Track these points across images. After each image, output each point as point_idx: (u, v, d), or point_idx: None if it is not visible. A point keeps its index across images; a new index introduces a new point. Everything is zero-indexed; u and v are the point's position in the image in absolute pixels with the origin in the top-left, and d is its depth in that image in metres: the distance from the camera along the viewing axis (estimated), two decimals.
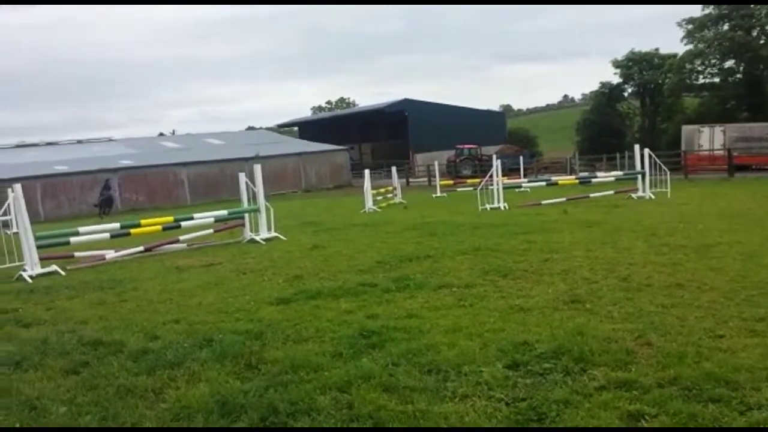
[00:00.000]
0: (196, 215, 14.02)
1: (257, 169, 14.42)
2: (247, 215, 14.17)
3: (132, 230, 12.94)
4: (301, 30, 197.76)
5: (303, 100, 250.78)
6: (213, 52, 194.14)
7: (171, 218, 13.91)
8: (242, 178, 14.49)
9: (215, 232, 14.31)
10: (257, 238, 13.70)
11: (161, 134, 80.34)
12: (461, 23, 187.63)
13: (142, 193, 40.05)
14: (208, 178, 40.97)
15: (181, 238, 13.40)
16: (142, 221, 13.69)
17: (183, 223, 13.52)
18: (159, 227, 13.40)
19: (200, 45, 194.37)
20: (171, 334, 6.17)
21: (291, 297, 7.45)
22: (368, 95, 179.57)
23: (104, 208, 33.29)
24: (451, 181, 33.09)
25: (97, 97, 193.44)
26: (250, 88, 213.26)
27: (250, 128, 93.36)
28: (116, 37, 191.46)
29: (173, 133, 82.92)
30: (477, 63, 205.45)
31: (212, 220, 14.04)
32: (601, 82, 55.80)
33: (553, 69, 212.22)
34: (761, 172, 31.91)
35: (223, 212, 14.43)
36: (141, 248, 12.52)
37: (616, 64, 53.21)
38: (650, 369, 4.45)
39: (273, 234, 14.03)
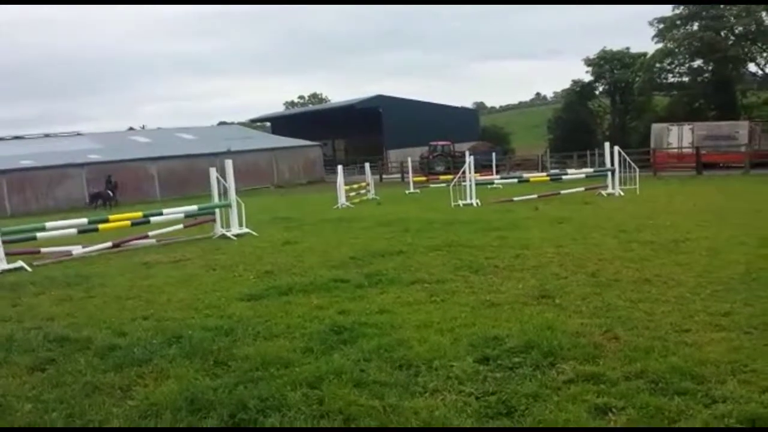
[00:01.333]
0: (165, 210, 13.86)
1: (228, 164, 14.29)
2: (218, 211, 14.04)
3: (100, 225, 12.75)
4: (275, 26, 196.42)
5: (276, 95, 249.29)
6: (185, 48, 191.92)
7: (140, 214, 13.73)
8: (213, 173, 14.35)
9: (185, 227, 14.15)
10: (228, 233, 13.58)
11: (131, 129, 79.39)
12: (435, 23, 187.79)
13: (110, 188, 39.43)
14: (179, 174, 40.51)
15: (151, 233, 13.22)
16: (111, 217, 13.49)
17: (152, 219, 13.34)
18: (128, 223, 13.21)
19: (171, 41, 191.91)
20: (139, 330, 6.09)
21: (262, 293, 7.41)
22: (343, 93, 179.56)
23: (96, 201, 33.99)
24: (425, 178, 33.17)
25: (68, 92, 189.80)
26: (222, 83, 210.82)
27: (222, 123, 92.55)
28: (89, 33, 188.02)
29: (143, 127, 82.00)
30: (451, 61, 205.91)
31: (182, 215, 13.89)
32: (572, 81, 56.48)
33: (526, 67, 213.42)
34: (728, 170, 32.52)
35: (194, 207, 14.28)
36: (109, 244, 12.32)
37: (588, 62, 53.83)
38: (618, 363, 4.52)
39: (244, 230, 13.92)
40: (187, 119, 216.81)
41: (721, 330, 5.16)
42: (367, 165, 29.21)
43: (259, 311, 6.57)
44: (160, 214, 13.59)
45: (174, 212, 13.82)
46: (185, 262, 10.49)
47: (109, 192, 35.49)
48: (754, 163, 32.15)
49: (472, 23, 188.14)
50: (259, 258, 10.39)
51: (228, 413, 4.04)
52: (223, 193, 14.20)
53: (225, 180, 14.12)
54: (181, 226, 14.01)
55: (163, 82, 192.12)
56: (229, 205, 14.06)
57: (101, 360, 5.26)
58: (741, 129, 35.98)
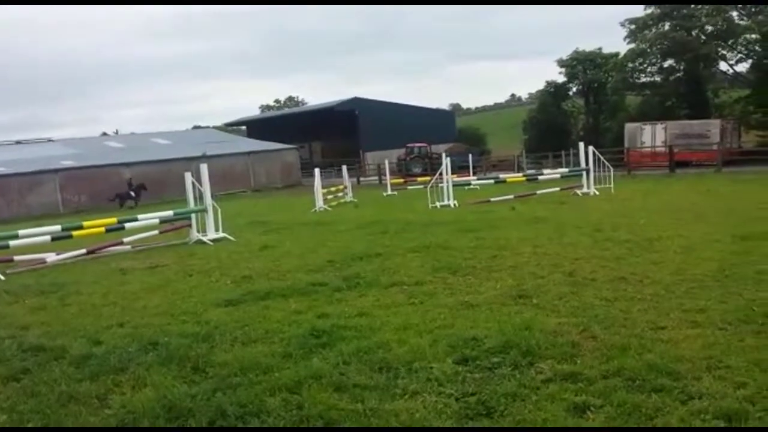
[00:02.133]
0: (140, 216, 13.71)
1: (203, 168, 14.18)
2: (193, 215, 13.93)
3: (74, 232, 12.56)
4: (251, 30, 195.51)
5: (251, 99, 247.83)
6: (158, 52, 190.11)
7: (114, 220, 13.57)
8: (188, 177, 14.23)
9: (161, 233, 14.02)
10: (204, 238, 13.48)
11: (104, 134, 78.42)
12: (410, 24, 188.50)
13: (84, 195, 38.88)
14: (154, 179, 39.98)
15: (126, 239, 13.08)
16: (85, 223, 13.30)
17: (127, 225, 13.19)
18: (102, 229, 13.03)
19: (145, 44, 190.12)
20: (115, 338, 6.04)
21: (239, 298, 7.36)
22: (319, 96, 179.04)
23: (116, 200, 35.03)
24: (402, 180, 33.22)
25: (40, 97, 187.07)
26: (197, 87, 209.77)
27: (197, 127, 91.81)
28: (63, 38, 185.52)
29: (117, 132, 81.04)
30: (427, 62, 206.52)
31: (157, 221, 13.74)
32: (546, 81, 56.97)
33: (501, 68, 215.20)
34: (701, 168, 33.01)
35: (169, 213, 14.15)
36: (84, 251, 12.16)
37: (561, 63, 54.32)
38: (595, 361, 4.56)
39: (221, 234, 13.83)
40: (161, 124, 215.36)
41: (696, 327, 5.23)
42: (344, 168, 29.14)
43: (237, 316, 6.53)
44: (135, 219, 13.44)
45: (149, 218, 13.67)
46: (161, 268, 10.39)
47: (131, 193, 35.89)
48: (726, 160, 32.69)
49: (446, 24, 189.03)
50: (236, 263, 10.33)
51: (206, 420, 4.01)
52: (199, 197, 14.09)
53: (200, 184, 14.01)
54: (156, 231, 13.87)
55: (135, 86, 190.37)
56: (204, 210, 13.95)
57: (77, 369, 5.20)
58: (713, 127, 36.52)
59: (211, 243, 13.22)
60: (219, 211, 14.10)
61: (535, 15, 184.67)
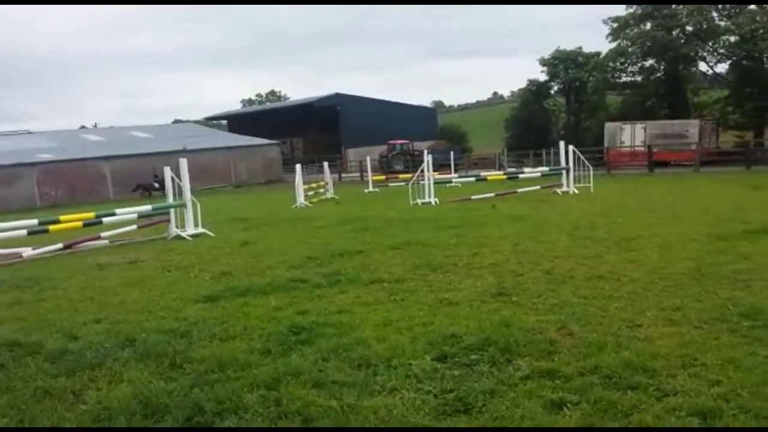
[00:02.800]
0: (118, 211, 13.58)
1: (183, 163, 14.07)
2: (172, 211, 13.82)
3: (51, 227, 12.41)
4: (232, 22, 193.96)
5: (233, 93, 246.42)
6: (140, 43, 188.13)
7: (92, 214, 13.43)
8: (167, 172, 14.11)
9: (139, 228, 13.89)
10: (183, 234, 13.38)
11: (83, 127, 77.56)
12: (395, 20, 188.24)
13: (62, 188, 38.42)
14: (133, 173, 39.61)
15: (103, 234, 12.94)
16: (62, 217, 13.13)
17: (105, 219, 13.06)
18: (80, 224, 12.89)
19: (126, 36, 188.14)
20: (92, 334, 5.97)
21: (218, 294, 7.31)
22: (301, 89, 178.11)
23: (138, 190, 35.99)
24: (384, 177, 33.22)
25: (18, 89, 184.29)
26: (177, 80, 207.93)
27: (177, 121, 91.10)
28: (42, 29, 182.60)
29: (95, 125, 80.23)
30: (410, 59, 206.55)
31: (135, 216, 13.62)
32: (528, 80, 57.14)
33: (484, 66, 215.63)
34: (679, 168, 33.38)
35: (147, 207, 14.04)
36: (60, 245, 12.01)
37: (543, 62, 54.53)
38: (572, 358, 4.59)
39: (200, 230, 13.74)
40: (141, 117, 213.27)
41: (672, 325, 5.29)
42: (325, 164, 29.10)
43: (216, 313, 6.49)
44: (113, 214, 13.31)
45: (127, 212, 13.55)
46: (139, 263, 10.30)
47: (154, 184, 35.71)
48: (704, 161, 33.09)
49: (431, 21, 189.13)
50: (215, 258, 10.27)
51: (184, 416, 3.98)
52: (178, 192, 13.98)
53: (180, 179, 13.90)
54: (134, 226, 13.75)
55: (113, 77, 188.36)
56: (184, 205, 13.85)
57: (52, 364, 5.13)
58: (692, 127, 36.95)
59: (190, 238, 13.13)
60: (198, 206, 14.00)
61: (518, 13, 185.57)
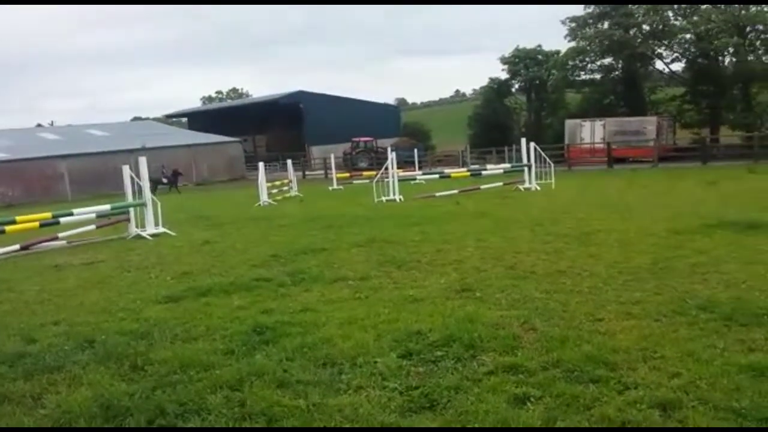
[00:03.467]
0: (76, 211, 13.29)
1: (142, 161, 13.84)
2: (132, 210, 13.57)
3: (7, 227, 12.06)
4: (193, 18, 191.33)
5: (193, 90, 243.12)
6: (97, 40, 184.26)
7: (49, 214, 13.09)
8: (126, 170, 13.86)
9: (98, 228, 13.62)
10: (143, 233, 13.16)
11: (39, 125, 75.63)
12: (356, 18, 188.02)
13: (17, 188, 37.40)
14: (91, 172, 38.78)
15: (61, 235, 12.65)
16: (18, 218, 12.77)
17: (62, 219, 12.75)
18: (36, 224, 12.55)
19: (84, 33, 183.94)
20: (50, 336, 5.83)
21: (180, 294, 7.20)
22: (263, 87, 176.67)
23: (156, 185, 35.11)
24: (348, 174, 33.16)
25: None
26: (137, 77, 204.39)
27: (137, 119, 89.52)
28: None
29: (52, 124, 78.31)
30: (373, 57, 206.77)
31: (94, 215, 13.34)
32: (490, 78, 57.65)
33: (447, 64, 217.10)
34: (638, 164, 34.05)
35: (106, 207, 13.75)
36: (17, 246, 11.71)
37: (504, 60, 55.03)
38: (535, 353, 4.64)
39: (161, 229, 13.52)
40: (100, 116, 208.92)
41: (632, 318, 5.39)
42: (289, 161, 28.96)
43: (177, 313, 6.39)
44: (71, 214, 13.01)
45: (85, 212, 13.26)
46: (98, 263, 10.09)
47: (163, 179, 36.11)
48: (662, 157, 33.83)
49: (392, 19, 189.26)
50: (176, 258, 10.12)
51: (145, 419, 3.91)
52: (138, 191, 13.74)
53: (139, 178, 13.66)
54: (93, 226, 13.47)
55: (72, 77, 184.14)
56: (143, 204, 13.62)
57: (10, 368, 5.00)
58: (649, 124, 37.73)
59: (151, 238, 12.91)
60: (159, 205, 13.79)
61: (479, 12, 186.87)
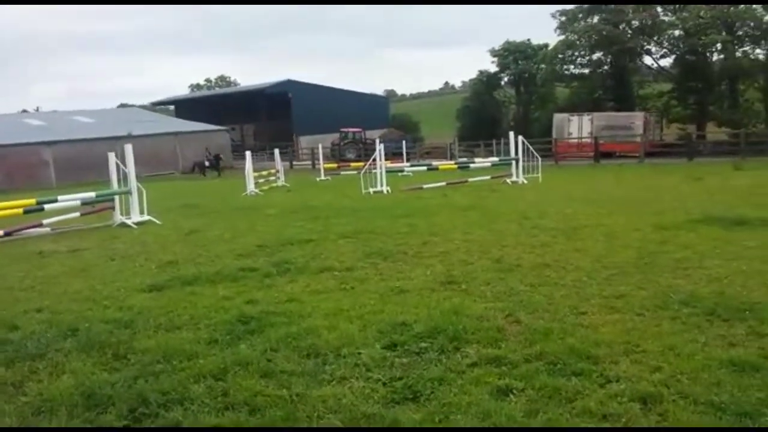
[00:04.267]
0: (60, 197, 13.16)
1: (128, 148, 13.73)
2: (117, 198, 13.48)
3: None
4: (182, 6, 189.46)
5: (181, 78, 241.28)
6: (85, 26, 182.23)
7: (33, 201, 12.97)
8: (112, 158, 13.75)
9: (82, 215, 13.51)
10: (128, 221, 13.07)
11: (24, 111, 74.83)
12: (347, 10, 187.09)
13: (0, 175, 37.02)
14: (76, 159, 38.42)
15: (45, 221, 12.54)
16: (1, 204, 12.66)
17: (47, 206, 12.64)
18: (20, 210, 12.44)
19: (71, 19, 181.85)
20: (32, 323, 5.80)
21: (164, 283, 7.17)
22: (251, 76, 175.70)
23: (194, 168, 38.81)
24: (336, 165, 33.07)
25: None
26: (123, 64, 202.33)
27: (123, 106, 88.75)
28: None
29: (37, 110, 77.55)
30: (362, 49, 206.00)
31: (79, 202, 13.24)
32: (479, 71, 57.62)
33: (436, 56, 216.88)
34: (624, 159, 34.22)
35: (91, 194, 13.65)
36: (0, 233, 11.59)
37: (493, 53, 55.04)
38: (519, 345, 4.66)
39: (146, 217, 13.44)
40: (86, 102, 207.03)
41: (616, 312, 5.43)
42: (276, 151, 28.81)
43: (161, 302, 6.36)
44: (55, 201, 12.89)
45: (70, 199, 13.14)
46: (82, 251, 10.02)
47: (206, 162, 38.44)
48: (648, 152, 34.00)
49: (383, 10, 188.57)
50: (161, 247, 10.06)
51: (127, 408, 3.90)
52: (123, 179, 13.64)
53: (125, 165, 13.57)
54: (77, 213, 13.37)
55: (58, 62, 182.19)
56: (129, 192, 13.53)
57: None
58: (636, 120, 37.90)
59: (136, 226, 12.83)
60: (144, 193, 13.70)
61: (470, 5, 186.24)
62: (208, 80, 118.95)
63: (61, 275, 8.10)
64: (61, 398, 4.05)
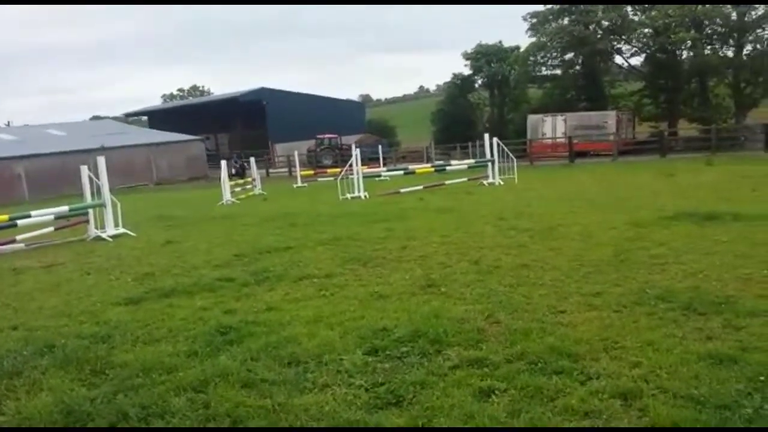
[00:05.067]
0: (34, 212, 12.95)
1: (101, 161, 13.57)
2: (91, 211, 13.30)
3: None
4: (153, 15, 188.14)
5: (153, 88, 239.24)
6: (56, 37, 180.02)
7: (5, 217, 12.73)
8: (84, 171, 13.57)
9: (56, 230, 13.31)
10: (103, 235, 12.91)
11: None
12: (321, 15, 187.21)
13: None
14: (49, 173, 37.90)
15: (18, 237, 12.33)
16: None
17: (20, 222, 12.41)
18: None
19: (41, 32, 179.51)
20: (8, 341, 5.69)
21: (141, 296, 7.08)
22: (225, 85, 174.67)
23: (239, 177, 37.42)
24: (312, 171, 33.03)
25: None
26: (96, 76, 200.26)
27: (96, 118, 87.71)
28: None
29: (8, 124, 76.41)
30: (336, 54, 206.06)
31: (52, 217, 13.04)
32: (453, 74, 57.99)
33: (411, 60, 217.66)
34: (599, 158, 34.60)
35: (64, 208, 13.44)
36: None
37: (466, 56, 55.41)
38: (499, 346, 4.68)
39: (121, 230, 13.29)
40: (59, 115, 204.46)
41: (594, 309, 5.47)
42: (252, 159, 28.70)
43: (139, 315, 6.28)
44: (29, 216, 12.68)
45: (43, 214, 12.94)
46: (57, 266, 9.87)
47: (232, 170, 36.95)
48: (622, 150, 34.43)
49: (357, 16, 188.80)
50: (137, 259, 9.95)
51: (107, 423, 3.85)
52: (97, 192, 13.48)
53: (98, 178, 13.40)
54: (51, 228, 13.17)
55: (29, 75, 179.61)
56: (102, 205, 13.36)
57: None
58: (609, 119, 38.39)
59: (111, 239, 12.68)
60: (119, 205, 13.54)
61: (443, 8, 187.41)
62: (181, 90, 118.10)
63: (36, 291, 7.97)
64: (39, 416, 3.99)
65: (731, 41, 41.35)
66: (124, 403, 4.07)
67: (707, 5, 39.62)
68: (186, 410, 3.94)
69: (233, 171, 38.19)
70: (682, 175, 19.99)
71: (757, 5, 38.88)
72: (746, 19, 39.71)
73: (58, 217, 13.25)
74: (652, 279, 6.40)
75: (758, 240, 8.01)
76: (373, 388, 4.10)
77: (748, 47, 41.25)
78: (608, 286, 6.19)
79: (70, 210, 13.43)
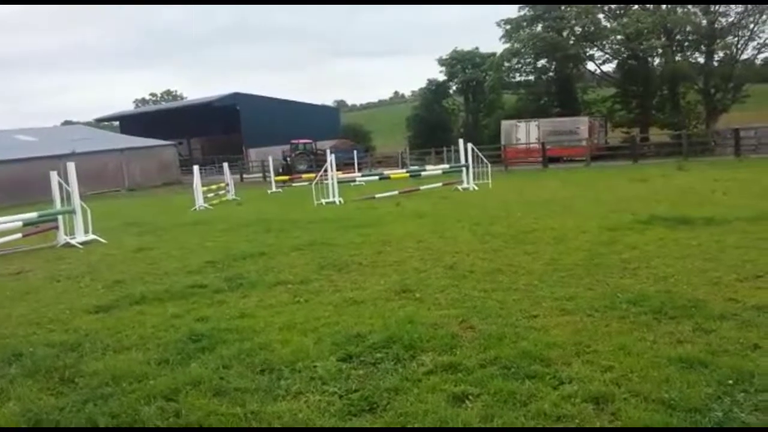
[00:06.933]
0: (1, 219, 12.71)
1: (71, 167, 13.37)
2: (60, 217, 13.09)
3: None
4: (124, 19, 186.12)
5: (125, 93, 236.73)
6: (26, 42, 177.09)
7: None
8: (54, 177, 13.36)
9: (24, 236, 13.07)
10: (73, 241, 12.70)
11: None
12: (294, 19, 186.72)
13: None
14: (18, 179, 37.17)
15: None
16: None
17: None
18: None
19: (10, 34, 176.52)
20: None
21: (111, 304, 6.97)
22: (198, 90, 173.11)
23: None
24: (287, 177, 32.87)
25: None
26: (65, 82, 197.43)
27: (67, 123, 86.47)
28: None
29: None
30: (310, 59, 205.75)
31: (20, 223, 12.80)
32: (428, 80, 58.16)
33: (385, 66, 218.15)
34: (572, 163, 34.97)
35: (33, 215, 13.21)
36: None
37: (441, 62, 55.66)
38: (473, 351, 4.68)
39: (91, 237, 13.09)
40: (27, 121, 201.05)
41: (567, 314, 5.50)
42: (225, 165, 28.47)
43: (109, 323, 6.18)
44: None
45: (11, 220, 12.70)
46: (25, 273, 9.69)
47: (279, 169, 39.04)
48: (594, 156, 34.84)
49: (331, 21, 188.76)
50: (108, 266, 9.80)
51: None
52: (66, 198, 13.27)
53: (68, 184, 13.20)
54: (19, 235, 12.92)
55: None
56: (72, 211, 13.16)
57: None
58: (581, 125, 38.83)
59: (81, 246, 12.47)
60: (89, 211, 13.34)
61: (418, 13, 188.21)
62: (153, 95, 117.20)
63: (3, 299, 7.80)
64: (7, 425, 3.92)
65: (702, 48, 42.10)
66: (93, 412, 4.00)
67: (678, 12, 40.32)
68: (156, 419, 3.89)
69: (280, 170, 39.78)
70: (655, 180, 20.25)
71: (726, 13, 39.73)
72: (716, 26, 40.50)
73: (27, 223, 13.02)
74: (624, 283, 6.46)
75: (728, 244, 8.14)
76: (347, 395, 4.08)
77: (719, 54, 42.06)
78: (581, 291, 6.23)
79: (39, 216, 13.21)
